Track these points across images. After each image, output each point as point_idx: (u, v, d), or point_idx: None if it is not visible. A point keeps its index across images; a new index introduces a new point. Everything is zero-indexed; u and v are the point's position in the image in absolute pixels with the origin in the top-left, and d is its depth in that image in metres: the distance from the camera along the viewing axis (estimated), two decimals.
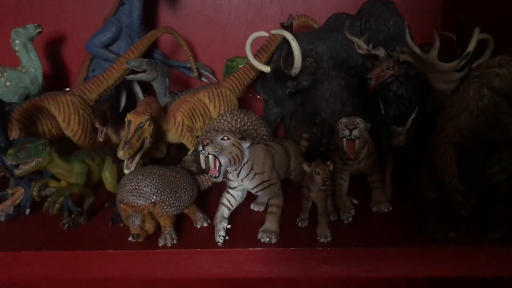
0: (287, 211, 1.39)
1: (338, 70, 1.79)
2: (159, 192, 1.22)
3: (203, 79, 2.15)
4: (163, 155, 1.65)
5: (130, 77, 1.75)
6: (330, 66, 1.80)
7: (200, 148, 1.13)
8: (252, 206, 1.45)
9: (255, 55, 1.87)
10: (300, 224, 1.32)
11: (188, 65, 2.09)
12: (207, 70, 2.13)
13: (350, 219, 1.33)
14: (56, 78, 2.18)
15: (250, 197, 1.41)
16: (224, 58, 2.07)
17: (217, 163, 1.15)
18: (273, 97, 2.01)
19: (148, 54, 2.03)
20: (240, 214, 1.41)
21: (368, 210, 1.42)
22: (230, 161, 1.16)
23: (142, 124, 1.34)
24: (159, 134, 1.55)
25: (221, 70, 2.11)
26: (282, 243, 1.24)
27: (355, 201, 1.41)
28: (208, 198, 1.50)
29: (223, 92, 1.70)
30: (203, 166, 1.16)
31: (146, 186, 1.22)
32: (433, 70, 1.17)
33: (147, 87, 1.90)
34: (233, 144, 1.16)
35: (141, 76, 1.73)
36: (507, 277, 1.20)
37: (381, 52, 1.36)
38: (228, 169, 1.21)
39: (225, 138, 1.16)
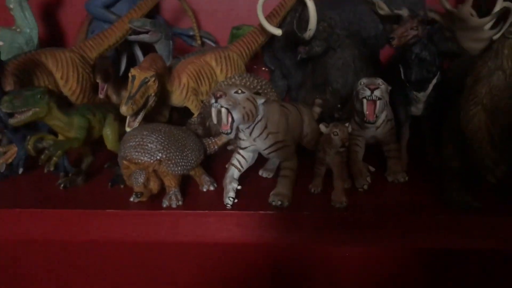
0: (298, 178, 1.32)
1: (351, 38, 1.71)
2: (165, 149, 1.14)
3: (205, 47, 2.05)
4: (165, 120, 1.56)
5: (133, 37, 1.66)
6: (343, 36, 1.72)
7: (213, 100, 1.05)
8: (260, 173, 1.38)
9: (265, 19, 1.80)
10: (313, 190, 1.25)
11: (191, 33, 2.00)
12: (211, 38, 2.04)
13: (365, 186, 1.25)
14: (53, 40, 2.07)
15: (258, 164, 1.33)
16: (230, 27, 1.97)
17: (230, 118, 1.07)
18: (279, 68, 1.94)
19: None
20: (248, 180, 1.33)
21: (383, 180, 1.34)
22: (243, 116, 1.08)
23: (147, 80, 1.26)
24: (162, 96, 1.46)
25: (225, 39, 2.02)
26: (294, 207, 1.16)
27: (372, 168, 1.34)
28: (214, 162, 1.42)
29: (230, 55, 1.62)
30: (215, 120, 1.08)
31: (151, 142, 1.13)
32: (464, 27, 1.10)
33: (148, 50, 1.81)
34: (248, 99, 1.08)
35: (143, 37, 1.64)
36: None
37: (404, 12, 1.28)
38: (240, 126, 1.13)
39: (239, 91, 1.08)
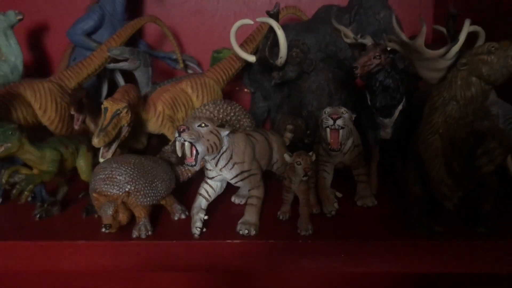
0: (269, 204, 1.35)
1: (326, 62, 1.75)
2: (133, 181, 1.17)
3: (190, 71, 2.09)
4: (143, 146, 1.59)
5: (112, 65, 1.70)
6: (319, 59, 1.76)
7: (176, 134, 1.08)
8: (233, 199, 1.41)
9: (241, 45, 1.83)
10: (281, 217, 1.27)
11: (174, 57, 2.04)
12: (193, 61, 2.08)
13: (333, 212, 1.28)
14: (38, 68, 2.12)
15: (231, 190, 1.36)
16: (211, 50, 2.02)
17: (194, 151, 1.10)
18: (260, 90, 1.97)
19: (133, 44, 1.98)
20: (220, 207, 1.37)
21: (352, 204, 1.37)
22: (207, 149, 1.11)
23: (119, 112, 1.29)
24: (139, 123, 1.50)
25: (207, 62, 2.06)
26: (261, 235, 1.19)
27: (339, 194, 1.36)
28: (189, 190, 1.45)
29: (206, 82, 1.65)
30: (179, 154, 1.11)
31: (120, 174, 1.17)
32: (420, 57, 1.13)
33: (129, 77, 1.85)
34: (211, 131, 1.11)
35: (122, 65, 1.67)
36: (494, 273, 1.16)
37: (368, 40, 1.32)
38: (206, 157, 1.16)
39: (203, 125, 1.11)
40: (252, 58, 1.60)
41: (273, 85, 1.69)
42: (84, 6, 1.93)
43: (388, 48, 1.26)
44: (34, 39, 2.11)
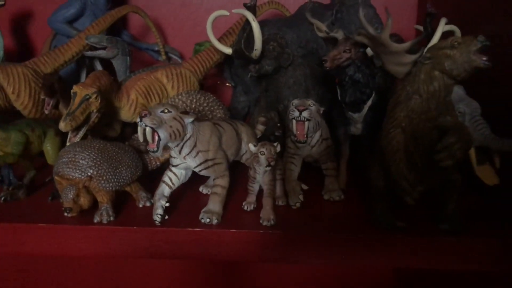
0: (236, 194, 1.35)
1: (304, 58, 1.75)
2: (96, 165, 1.17)
3: (172, 63, 2.09)
4: (117, 134, 1.59)
5: (89, 53, 1.70)
6: (299, 55, 1.76)
7: (138, 120, 1.08)
8: (201, 189, 1.41)
9: (221, 38, 1.83)
10: (246, 208, 1.27)
11: (156, 48, 2.04)
12: (175, 53, 2.08)
13: (298, 204, 1.28)
14: (21, 55, 2.11)
15: (202, 179, 1.36)
16: (194, 42, 2.02)
17: (156, 137, 1.10)
18: (241, 84, 1.96)
19: (116, 34, 1.98)
20: (187, 196, 1.37)
21: (320, 198, 1.37)
22: (170, 135, 1.11)
23: (87, 97, 1.29)
24: (112, 111, 1.49)
25: (191, 55, 2.05)
26: (223, 225, 1.19)
27: (305, 187, 1.36)
28: (158, 178, 1.44)
29: (183, 72, 1.65)
30: (141, 139, 1.10)
31: (83, 158, 1.16)
32: (386, 51, 1.13)
33: (109, 65, 1.84)
34: (174, 118, 1.11)
35: (100, 53, 1.68)
36: (456, 270, 1.16)
37: (339, 34, 1.32)
38: (170, 144, 1.16)
39: (166, 110, 1.10)
40: (228, 50, 1.59)
41: (249, 78, 1.69)
42: None
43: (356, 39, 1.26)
44: (17, 25, 2.11)
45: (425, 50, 1.09)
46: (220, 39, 1.81)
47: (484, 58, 1.01)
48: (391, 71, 1.17)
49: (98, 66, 1.90)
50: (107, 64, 1.88)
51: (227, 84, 2.03)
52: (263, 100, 1.79)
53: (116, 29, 2.02)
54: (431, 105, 1.07)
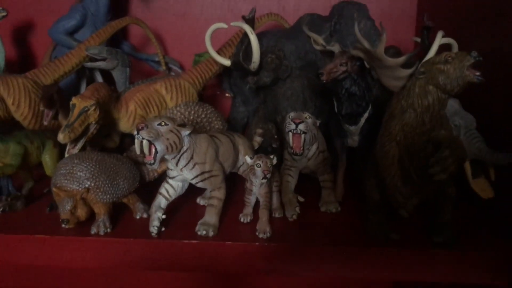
0: (234, 206, 1.35)
1: (303, 69, 1.76)
2: (94, 177, 1.18)
3: (172, 73, 2.10)
4: (115, 145, 1.60)
5: (89, 64, 1.72)
6: (298, 66, 1.77)
7: (135, 132, 1.09)
8: (198, 200, 1.41)
9: (220, 49, 1.85)
10: (242, 219, 1.28)
11: (157, 59, 2.06)
12: (175, 64, 2.09)
13: (294, 216, 1.29)
14: (22, 65, 2.13)
15: (198, 191, 1.36)
16: (195, 53, 2.04)
17: (153, 150, 1.11)
18: (240, 95, 1.98)
19: (116, 45, 2.00)
20: (185, 207, 1.37)
21: (317, 210, 1.37)
22: (167, 148, 1.12)
23: (86, 109, 1.30)
24: (110, 122, 1.50)
25: (191, 65, 2.07)
26: (220, 237, 1.19)
27: (301, 199, 1.36)
28: (155, 189, 1.45)
29: (181, 84, 1.66)
30: (138, 151, 1.11)
31: (80, 170, 1.17)
32: (382, 65, 1.14)
33: (109, 76, 1.86)
34: (171, 130, 1.12)
35: (100, 64, 1.69)
36: (449, 282, 1.16)
37: (336, 48, 1.33)
38: (167, 157, 1.17)
39: (163, 123, 1.12)
40: (227, 62, 1.61)
41: (248, 90, 1.70)
42: (69, 4, 1.95)
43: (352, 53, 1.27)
44: (18, 36, 2.13)
45: (419, 64, 1.10)
46: (219, 51, 1.83)
47: (477, 73, 1.02)
48: (386, 84, 1.18)
49: (98, 77, 1.92)
50: (107, 75, 1.90)
51: (226, 95, 2.04)
52: (261, 111, 1.80)
53: (117, 40, 2.04)
54: (425, 119, 1.08)
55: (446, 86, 1.04)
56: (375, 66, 1.17)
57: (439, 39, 1.41)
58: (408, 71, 1.12)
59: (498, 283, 1.14)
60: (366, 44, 1.14)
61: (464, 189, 1.24)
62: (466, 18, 1.66)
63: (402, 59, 1.11)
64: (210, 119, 1.51)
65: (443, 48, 1.30)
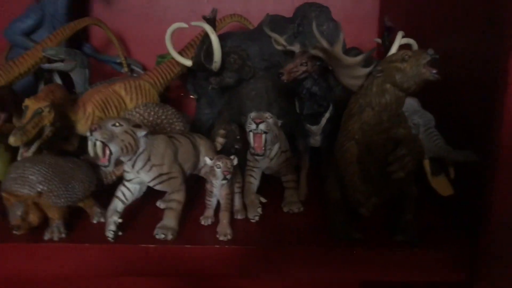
0: (195, 209, 1.33)
1: (268, 70, 1.75)
2: (47, 181, 1.13)
3: (135, 75, 2.06)
4: (74, 148, 1.54)
5: (46, 66, 1.66)
6: (262, 67, 1.76)
7: (88, 133, 1.05)
8: (158, 203, 1.38)
9: (183, 50, 1.82)
10: (203, 222, 1.25)
11: (119, 60, 2.01)
12: (138, 66, 2.05)
13: (256, 218, 1.27)
14: None
15: (160, 194, 1.33)
16: (157, 55, 2.00)
17: (107, 151, 1.07)
18: (204, 96, 1.95)
19: (76, 46, 1.94)
20: (145, 211, 1.34)
21: (280, 210, 1.36)
22: (122, 149, 1.08)
23: (40, 111, 1.25)
24: (68, 125, 1.45)
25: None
26: (179, 240, 1.16)
27: (263, 200, 1.35)
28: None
29: (142, 85, 1.62)
30: (91, 153, 1.07)
31: (32, 174, 1.13)
32: (340, 64, 1.14)
33: (69, 77, 1.81)
34: (126, 132, 1.09)
35: (57, 65, 1.65)
36: (411, 281, 1.16)
37: (296, 47, 1.33)
38: (122, 159, 1.13)
39: (117, 124, 1.08)
40: (188, 63, 1.58)
41: (211, 90, 1.68)
42: (26, 5, 1.89)
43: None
44: None
45: (377, 63, 1.10)
46: (181, 51, 1.80)
47: (434, 71, 1.02)
48: (345, 84, 1.17)
49: (57, 79, 1.86)
50: (67, 77, 1.84)
51: (192, 96, 2.01)
52: (225, 113, 1.78)
53: (77, 41, 1.98)
54: (383, 117, 1.08)
55: (403, 84, 1.04)
56: (333, 65, 1.17)
57: (399, 39, 1.42)
58: (366, 70, 1.12)
59: (460, 280, 1.15)
60: (324, 43, 1.14)
61: (424, 187, 1.25)
62: (427, 19, 1.68)
63: (359, 58, 1.11)
64: (170, 121, 1.48)
65: (404, 48, 1.31)
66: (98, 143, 1.05)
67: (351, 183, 1.11)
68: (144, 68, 2.07)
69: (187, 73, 1.88)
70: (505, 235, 1.07)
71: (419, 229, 1.18)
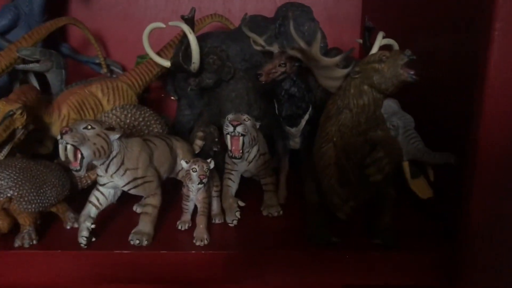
0: (172, 213, 1.30)
1: (248, 71, 1.72)
2: (17, 186, 1.10)
3: (114, 76, 2.02)
4: (49, 151, 1.51)
5: (21, 66, 1.62)
6: (243, 68, 1.73)
7: (59, 137, 1.02)
8: (135, 208, 1.35)
9: (161, 50, 1.79)
10: (180, 227, 1.23)
11: (97, 61, 1.97)
12: (117, 67, 2.02)
13: (235, 222, 1.25)
14: None
15: (136, 198, 1.30)
16: (137, 55, 1.97)
17: (79, 155, 1.04)
18: (184, 97, 1.92)
19: (54, 47, 1.90)
20: (120, 215, 1.31)
21: (259, 214, 1.34)
22: (94, 153, 1.05)
23: (11, 113, 1.22)
24: (42, 127, 1.42)
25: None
26: (154, 246, 1.14)
27: (242, 203, 1.32)
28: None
29: (119, 86, 1.59)
30: (62, 157, 1.04)
31: (2, 178, 1.09)
32: (318, 65, 1.12)
33: (45, 78, 1.76)
34: (98, 134, 1.06)
35: (33, 66, 1.60)
36: (388, 284, 1.15)
37: (275, 48, 1.31)
38: (95, 162, 1.10)
39: (89, 127, 1.05)
40: (166, 63, 1.55)
41: (190, 91, 1.66)
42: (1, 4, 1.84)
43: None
44: None
45: (355, 64, 1.09)
46: (160, 52, 1.77)
47: (411, 72, 1.01)
48: (323, 85, 1.16)
49: (33, 80, 1.81)
50: (43, 77, 1.80)
51: (172, 98, 1.98)
52: (205, 114, 1.75)
53: (55, 41, 1.94)
54: (361, 119, 1.06)
55: (381, 85, 1.03)
56: (312, 66, 1.15)
57: (380, 40, 1.41)
58: (344, 71, 1.10)
59: (438, 284, 1.14)
60: (302, 44, 1.12)
61: (403, 190, 1.24)
62: (408, 20, 1.67)
63: (337, 58, 1.09)
64: (148, 123, 1.45)
65: (385, 49, 1.29)
66: (69, 147, 1.02)
67: (328, 187, 1.09)
68: (124, 69, 2.03)
69: (167, 74, 1.85)
70: (484, 238, 1.06)
71: (398, 232, 1.17)
